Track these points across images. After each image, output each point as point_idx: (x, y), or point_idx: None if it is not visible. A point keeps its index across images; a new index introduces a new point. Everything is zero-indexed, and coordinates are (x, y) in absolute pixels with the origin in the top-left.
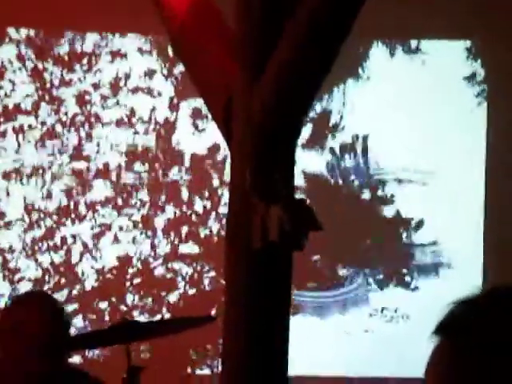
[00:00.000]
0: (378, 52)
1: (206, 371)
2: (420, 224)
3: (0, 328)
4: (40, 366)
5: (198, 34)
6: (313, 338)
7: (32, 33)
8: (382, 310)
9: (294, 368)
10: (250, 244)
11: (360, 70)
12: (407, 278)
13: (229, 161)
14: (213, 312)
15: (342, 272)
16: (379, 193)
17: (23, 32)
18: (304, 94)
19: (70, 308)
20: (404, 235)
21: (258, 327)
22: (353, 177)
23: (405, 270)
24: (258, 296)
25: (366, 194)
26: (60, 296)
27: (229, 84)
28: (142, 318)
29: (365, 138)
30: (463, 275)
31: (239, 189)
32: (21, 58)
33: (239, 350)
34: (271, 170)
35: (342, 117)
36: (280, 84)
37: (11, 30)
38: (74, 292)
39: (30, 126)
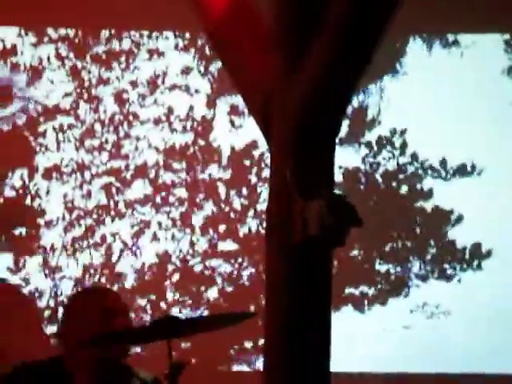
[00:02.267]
0: (415, 46)
1: (244, 367)
2: (460, 217)
3: (76, 317)
4: (114, 352)
5: (234, 31)
6: (352, 334)
7: (70, 32)
8: (423, 305)
9: (333, 364)
10: (290, 239)
11: (397, 65)
12: (449, 273)
13: (266, 157)
14: (251, 308)
15: (382, 267)
16: (418, 187)
17: (61, 31)
18: (342, 91)
19: None
20: (444, 229)
21: (299, 322)
22: (390, 171)
23: (446, 265)
24: (299, 291)
25: (404, 189)
26: None
27: (267, 81)
28: (182, 315)
29: (402, 133)
30: (505, 268)
31: (279, 184)
32: (59, 57)
33: (280, 344)
34: (311, 165)
35: (379, 111)
36: (318, 81)
37: (50, 30)
38: (114, 289)
39: (69, 126)
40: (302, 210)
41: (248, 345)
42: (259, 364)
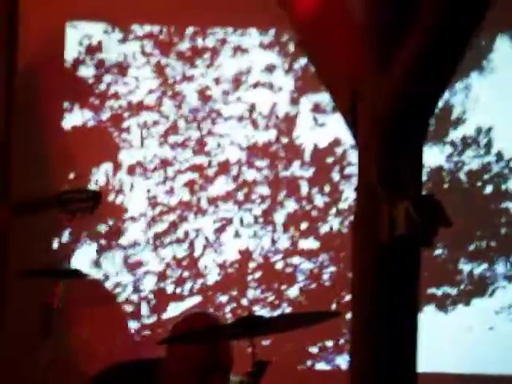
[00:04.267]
0: (502, 44)
1: (325, 366)
2: None
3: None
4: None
5: (324, 27)
6: (436, 334)
7: (155, 29)
8: (509, 307)
9: (418, 364)
10: (377, 237)
11: (484, 63)
12: None
13: (349, 155)
14: (332, 307)
15: (465, 267)
16: (503, 187)
17: (147, 28)
18: (430, 95)
19: (192, 301)
20: None
21: (386, 321)
22: (475, 171)
23: None
24: (386, 289)
25: (489, 188)
26: (183, 290)
27: (355, 77)
28: (263, 312)
29: (488, 131)
30: None
31: (366, 182)
32: (145, 54)
33: (366, 342)
34: (398, 165)
35: (464, 110)
36: (406, 86)
37: (135, 27)
38: (196, 286)
39: (154, 122)
40: (390, 209)
41: (329, 343)
42: (340, 362)
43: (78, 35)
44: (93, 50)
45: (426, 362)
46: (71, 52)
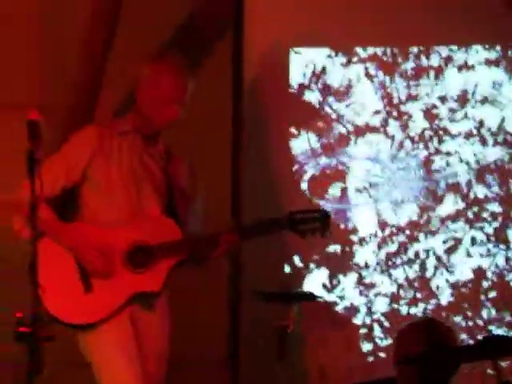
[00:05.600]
0: None
1: None
2: None
3: None
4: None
5: None
6: None
7: (378, 51)
8: None
9: None
10: None
11: None
12: None
13: None
14: None
15: None
16: None
17: (370, 50)
18: None
19: None
20: None
21: None
22: None
23: None
24: None
25: None
26: (416, 311)
27: None
28: (500, 333)
29: None
30: None
31: None
32: (368, 76)
33: None
34: None
35: None
36: None
37: (358, 50)
38: (430, 307)
39: (379, 143)
40: None
41: None
42: None
43: (302, 61)
44: (317, 74)
45: None
46: (296, 77)
